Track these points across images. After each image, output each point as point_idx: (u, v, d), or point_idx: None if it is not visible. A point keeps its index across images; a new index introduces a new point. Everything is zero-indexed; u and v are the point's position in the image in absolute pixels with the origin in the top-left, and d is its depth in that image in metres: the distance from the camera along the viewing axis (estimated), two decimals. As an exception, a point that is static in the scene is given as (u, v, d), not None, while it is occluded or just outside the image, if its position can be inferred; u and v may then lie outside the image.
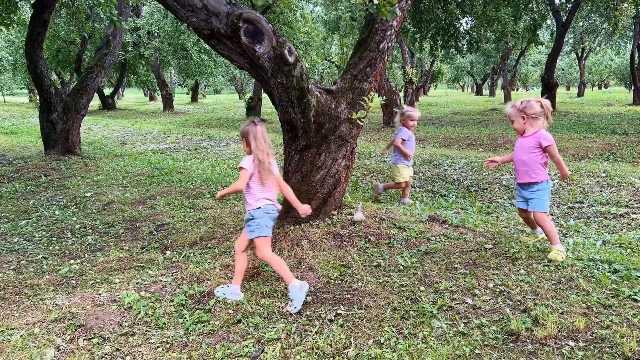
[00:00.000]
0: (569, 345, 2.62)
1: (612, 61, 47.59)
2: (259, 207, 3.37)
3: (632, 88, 24.23)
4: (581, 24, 27.52)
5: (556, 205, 5.84)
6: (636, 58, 22.00)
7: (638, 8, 15.96)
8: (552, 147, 3.73)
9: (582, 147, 9.85)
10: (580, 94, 36.24)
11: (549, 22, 20.72)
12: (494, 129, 14.39)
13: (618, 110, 19.25)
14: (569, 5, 18.49)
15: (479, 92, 49.52)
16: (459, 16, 15.17)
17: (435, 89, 66.36)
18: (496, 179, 7.21)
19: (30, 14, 9.21)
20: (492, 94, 42.82)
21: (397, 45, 23.31)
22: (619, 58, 43.94)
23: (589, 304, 2.98)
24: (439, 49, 17.00)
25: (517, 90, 58.98)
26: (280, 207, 3.53)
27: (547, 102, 3.79)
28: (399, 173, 5.96)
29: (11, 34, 21.68)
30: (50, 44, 21.04)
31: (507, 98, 29.72)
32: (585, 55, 35.04)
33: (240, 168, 3.38)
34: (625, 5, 16.15)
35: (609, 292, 3.11)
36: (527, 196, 3.86)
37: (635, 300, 2.99)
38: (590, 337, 2.68)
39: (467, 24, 17.67)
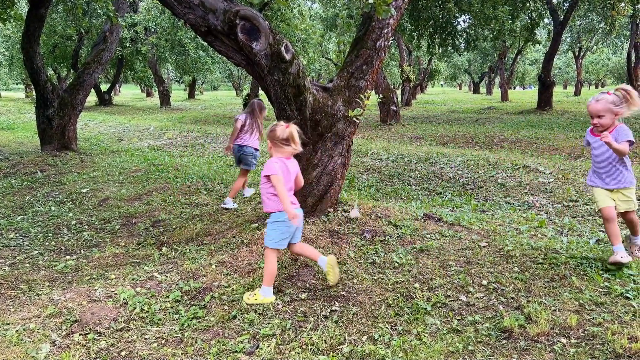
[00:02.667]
0: (561, 342, 2.64)
1: (609, 60, 47.71)
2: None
3: (629, 87, 24.25)
4: (578, 23, 27.57)
5: (551, 203, 5.87)
6: (633, 57, 22.09)
7: (635, 7, 16.00)
8: (273, 177, 3.22)
9: (578, 146, 9.89)
10: (577, 92, 36.33)
11: (546, 20, 20.76)
12: (490, 127, 14.43)
13: (614, 110, 19.28)
14: (566, 4, 18.53)
15: (476, 91, 49.57)
16: (457, 14, 15.19)
17: (432, 86, 66.45)
18: (492, 177, 7.24)
19: (26, 9, 9.18)
20: (489, 92, 42.89)
21: (394, 43, 23.33)
22: (616, 57, 44.08)
23: (581, 301, 3.01)
24: (437, 47, 17.03)
25: (514, 88, 59.11)
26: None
27: (294, 130, 3.30)
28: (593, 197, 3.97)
29: (7, 29, 21.60)
30: (47, 39, 20.96)
31: (504, 96, 29.83)
32: (582, 54, 35.13)
33: None
34: (622, 4, 16.19)
35: (601, 290, 3.14)
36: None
37: (627, 298, 3.02)
38: (582, 334, 2.70)
39: (464, 22, 17.70)
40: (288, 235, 3.35)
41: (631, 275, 3.30)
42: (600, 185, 3.57)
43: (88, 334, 2.89)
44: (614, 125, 3.49)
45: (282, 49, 3.73)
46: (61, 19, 19.52)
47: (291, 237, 3.39)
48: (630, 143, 3.39)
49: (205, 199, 6.01)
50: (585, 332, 2.71)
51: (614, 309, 2.91)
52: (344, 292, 3.34)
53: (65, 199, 6.49)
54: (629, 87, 3.42)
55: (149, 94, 43.87)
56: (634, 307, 2.91)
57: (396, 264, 3.70)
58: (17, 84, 42.62)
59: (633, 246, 3.73)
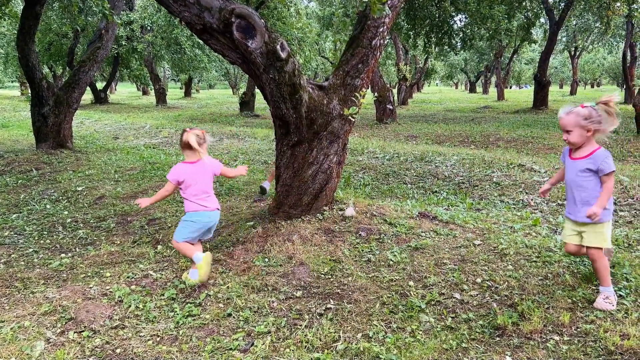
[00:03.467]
0: (553, 339, 2.66)
1: (604, 60, 47.87)
2: None
3: (624, 87, 24.41)
4: (574, 22, 27.65)
5: (545, 202, 5.90)
6: (628, 57, 22.18)
7: (630, 7, 16.06)
8: (168, 182, 3.63)
9: (573, 145, 9.93)
10: (573, 92, 36.47)
11: (542, 20, 20.82)
12: (486, 126, 14.47)
13: (609, 109, 19.35)
14: (562, 4, 18.59)
15: (472, 90, 49.69)
16: (453, 13, 15.20)
17: (429, 86, 66.56)
18: (487, 176, 7.26)
19: (22, 7, 9.14)
20: (485, 91, 42.95)
21: (391, 42, 23.33)
22: (612, 57, 44.21)
23: (574, 299, 3.03)
24: (433, 45, 17.03)
25: (510, 88, 59.24)
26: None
27: (191, 137, 3.48)
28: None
29: (3, 27, 21.48)
30: (42, 37, 20.86)
31: (501, 96, 29.91)
32: (578, 53, 35.21)
33: None
34: (618, 4, 16.25)
35: (594, 287, 3.16)
36: None
37: (620, 296, 3.04)
38: (574, 331, 2.72)
39: (460, 22, 17.74)
40: (197, 234, 3.61)
41: (624, 273, 3.32)
42: (568, 216, 3.07)
43: (83, 331, 2.89)
44: (590, 146, 2.89)
45: (278, 47, 3.73)
46: (57, 16, 19.42)
47: (201, 236, 3.67)
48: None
49: (201, 197, 6.00)
50: (578, 329, 2.73)
51: (606, 307, 2.93)
52: (338, 290, 3.35)
53: (60, 197, 6.48)
54: (611, 99, 2.81)
55: (145, 92, 43.73)
56: (626, 304, 2.93)
57: (391, 262, 3.72)
58: (12, 81, 42.38)
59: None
